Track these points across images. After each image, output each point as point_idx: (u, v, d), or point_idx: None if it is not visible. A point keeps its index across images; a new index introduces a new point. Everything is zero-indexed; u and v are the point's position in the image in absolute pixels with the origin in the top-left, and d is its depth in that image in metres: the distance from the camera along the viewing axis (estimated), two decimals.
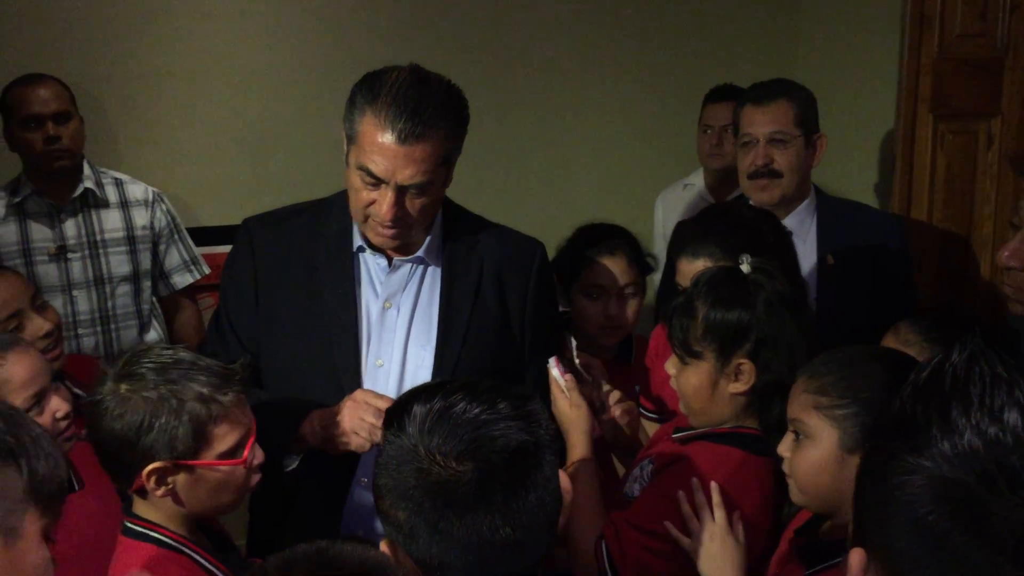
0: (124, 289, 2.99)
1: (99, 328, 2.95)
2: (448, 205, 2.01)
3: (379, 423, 1.64)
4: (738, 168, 2.67)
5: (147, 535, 1.56)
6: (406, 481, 1.15)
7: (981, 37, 3.30)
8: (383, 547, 1.23)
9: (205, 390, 1.54)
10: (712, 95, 3.49)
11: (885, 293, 2.53)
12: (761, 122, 2.59)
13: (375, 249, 1.93)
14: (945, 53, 3.35)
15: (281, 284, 1.95)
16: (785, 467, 1.59)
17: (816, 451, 1.51)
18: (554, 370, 1.90)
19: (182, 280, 3.11)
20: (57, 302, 2.89)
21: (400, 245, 1.91)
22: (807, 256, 2.60)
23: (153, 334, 3.07)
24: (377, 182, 1.79)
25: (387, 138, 1.75)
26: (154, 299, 3.11)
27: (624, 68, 3.91)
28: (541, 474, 1.17)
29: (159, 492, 1.54)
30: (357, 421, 1.77)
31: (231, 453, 1.58)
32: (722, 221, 2.22)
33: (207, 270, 3.18)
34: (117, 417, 1.52)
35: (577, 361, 2.06)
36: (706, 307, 1.74)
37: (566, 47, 3.82)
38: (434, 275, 1.95)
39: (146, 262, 3.02)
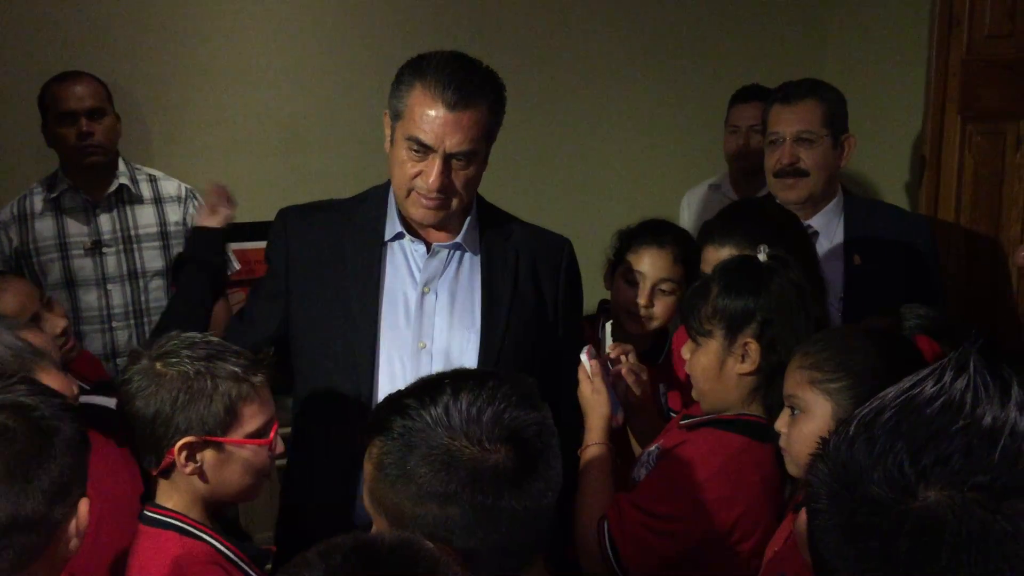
0: (157, 283, 3.04)
1: (132, 321, 3.01)
2: (480, 200, 2.07)
3: None
4: (765, 166, 2.68)
5: (167, 523, 1.59)
6: (445, 480, 1.17)
7: (1010, 38, 3.29)
8: None
9: (238, 370, 1.59)
10: (739, 96, 3.49)
11: (911, 294, 2.53)
12: (788, 121, 2.59)
13: (414, 235, 2.00)
14: (974, 54, 3.35)
15: (311, 271, 2.02)
16: (782, 442, 1.66)
17: (811, 424, 1.58)
18: (583, 356, 1.98)
19: None
20: (92, 295, 2.96)
21: (439, 222, 1.97)
22: (834, 256, 2.61)
23: None
24: (424, 152, 1.87)
25: (436, 106, 1.84)
26: None
27: (650, 69, 3.92)
28: (556, 441, 1.28)
29: (188, 468, 1.57)
30: None
31: (258, 434, 1.62)
32: (749, 214, 2.26)
33: (237, 266, 3.23)
34: (152, 393, 1.56)
35: (608, 349, 2.11)
36: (718, 288, 1.83)
37: (592, 48, 3.84)
38: (472, 262, 2.03)
39: None
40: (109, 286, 2.98)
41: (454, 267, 2.01)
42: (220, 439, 1.58)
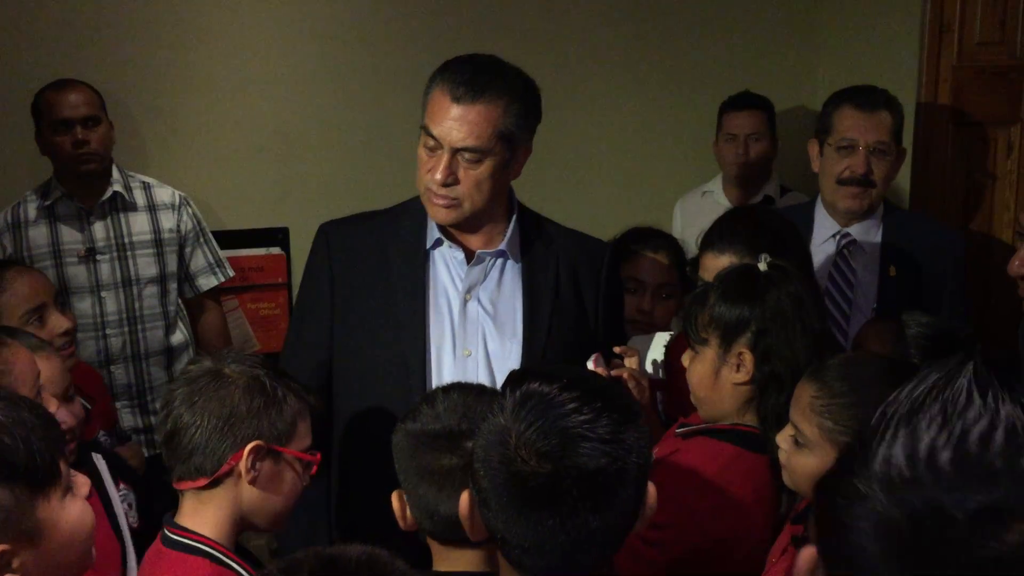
0: (151, 291, 3.04)
1: (126, 328, 3.00)
2: (521, 206, 2.08)
3: None
4: (824, 170, 2.64)
5: (197, 548, 1.53)
6: (492, 459, 1.20)
7: (1000, 45, 3.31)
8: (464, 497, 1.27)
9: (298, 385, 1.63)
10: (732, 103, 3.49)
11: (942, 306, 2.53)
12: (867, 129, 2.57)
13: (453, 241, 2.00)
14: (964, 61, 3.36)
15: (357, 282, 2.02)
16: (781, 456, 1.65)
17: (814, 460, 1.56)
18: (590, 363, 1.97)
19: (207, 282, 3.17)
20: (86, 303, 2.96)
21: (457, 223, 1.97)
22: (870, 266, 2.61)
23: (179, 335, 3.11)
24: (436, 146, 1.89)
25: (445, 100, 1.87)
26: (179, 301, 3.16)
27: (643, 75, 3.93)
28: (614, 499, 1.18)
29: (250, 475, 1.55)
30: None
31: (308, 452, 1.64)
32: (750, 222, 2.26)
33: (231, 273, 3.23)
34: (227, 395, 1.54)
35: (616, 349, 2.12)
36: (716, 296, 1.83)
37: (584, 53, 3.84)
38: (514, 270, 2.03)
39: (172, 264, 3.08)
40: (103, 293, 2.98)
41: (496, 274, 2.02)
42: (283, 449, 1.59)
